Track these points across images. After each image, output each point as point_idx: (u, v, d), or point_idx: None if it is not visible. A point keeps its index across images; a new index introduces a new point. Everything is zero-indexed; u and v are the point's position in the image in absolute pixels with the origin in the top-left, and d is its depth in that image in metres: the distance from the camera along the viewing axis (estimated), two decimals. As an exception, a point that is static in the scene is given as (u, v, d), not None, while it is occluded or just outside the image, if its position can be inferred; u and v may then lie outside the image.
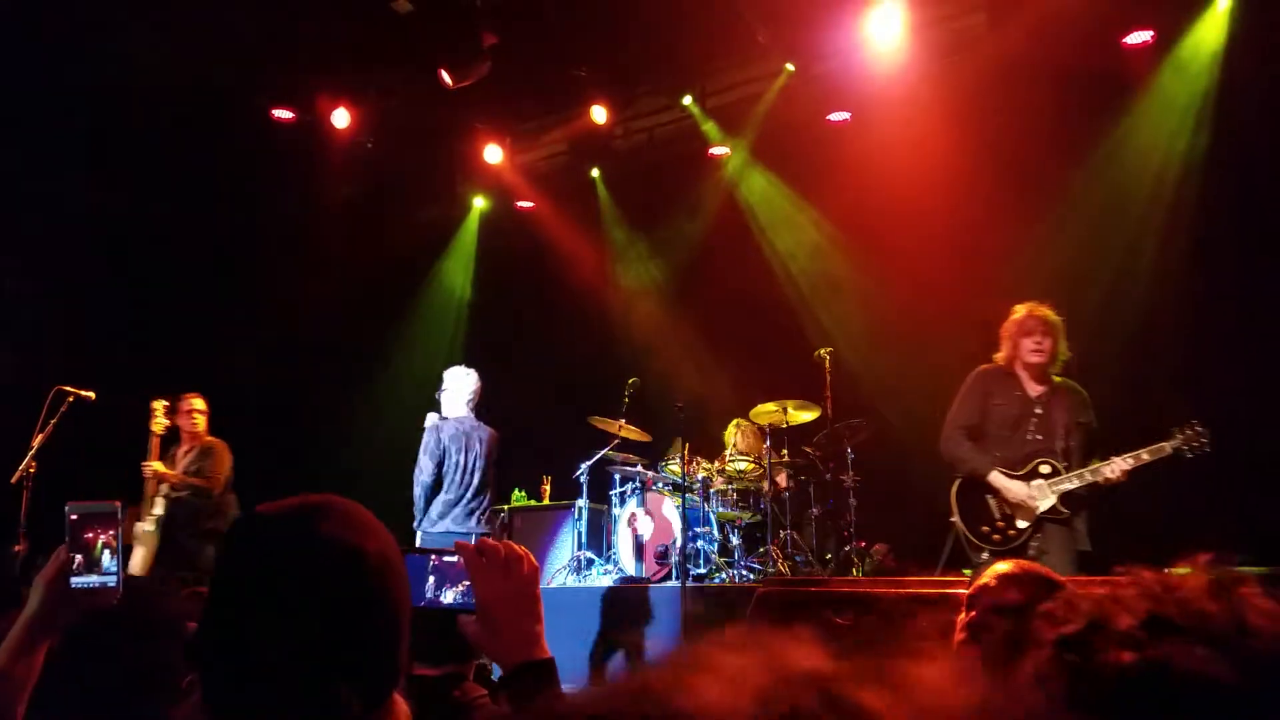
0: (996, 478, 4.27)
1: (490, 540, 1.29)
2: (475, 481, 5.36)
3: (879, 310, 7.45)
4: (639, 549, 6.54)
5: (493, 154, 8.77)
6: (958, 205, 6.71)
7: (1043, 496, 4.20)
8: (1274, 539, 4.86)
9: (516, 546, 1.28)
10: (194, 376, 7.65)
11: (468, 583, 1.26)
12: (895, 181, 7.08)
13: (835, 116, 7.69)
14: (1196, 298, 5.96)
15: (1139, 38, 6.54)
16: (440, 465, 5.32)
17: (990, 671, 1.94)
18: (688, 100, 8.21)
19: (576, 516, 7.14)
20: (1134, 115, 6.57)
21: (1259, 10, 6.04)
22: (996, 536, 4.24)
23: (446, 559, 1.28)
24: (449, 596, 1.27)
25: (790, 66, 7.75)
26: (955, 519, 4.38)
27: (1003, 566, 2.16)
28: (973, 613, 2.10)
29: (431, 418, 5.60)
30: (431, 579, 1.28)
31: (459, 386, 5.58)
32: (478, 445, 5.42)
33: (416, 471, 5.37)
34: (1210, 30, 6.32)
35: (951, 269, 6.97)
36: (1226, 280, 5.90)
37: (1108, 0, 6.43)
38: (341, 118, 8.29)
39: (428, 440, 5.41)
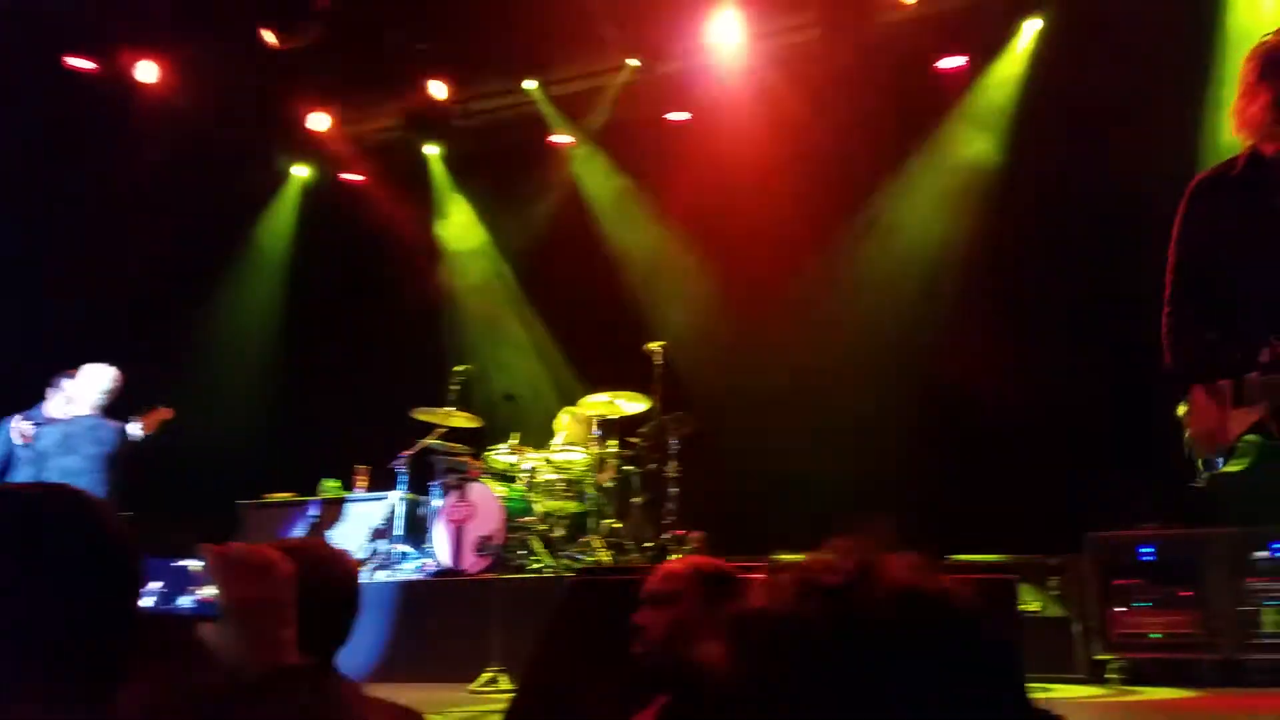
0: None
1: (238, 543, 1.20)
2: (83, 484, 5.14)
3: (711, 307, 7.61)
4: (458, 541, 6.37)
5: (318, 121, 8.35)
6: (790, 207, 6.96)
7: None
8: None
9: (268, 549, 1.20)
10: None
11: (212, 588, 1.16)
12: (732, 182, 7.26)
13: (675, 116, 7.80)
14: (998, 293, 6.54)
15: (953, 63, 7.05)
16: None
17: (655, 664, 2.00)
18: (532, 85, 8.09)
19: (393, 508, 6.87)
20: (947, 130, 7.09)
21: (1056, 44, 6.69)
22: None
23: (186, 562, 1.18)
24: (188, 601, 1.17)
25: (633, 63, 7.78)
26: None
27: (671, 563, 2.18)
28: (642, 611, 2.12)
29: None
30: (169, 582, 1.18)
31: (90, 383, 5.46)
32: (90, 447, 5.32)
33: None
34: (1014, 59, 6.90)
35: (783, 269, 7.23)
36: (1027, 276, 6.50)
37: (927, 29, 6.95)
38: (147, 71, 7.66)
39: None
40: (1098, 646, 5.03)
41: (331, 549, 1.74)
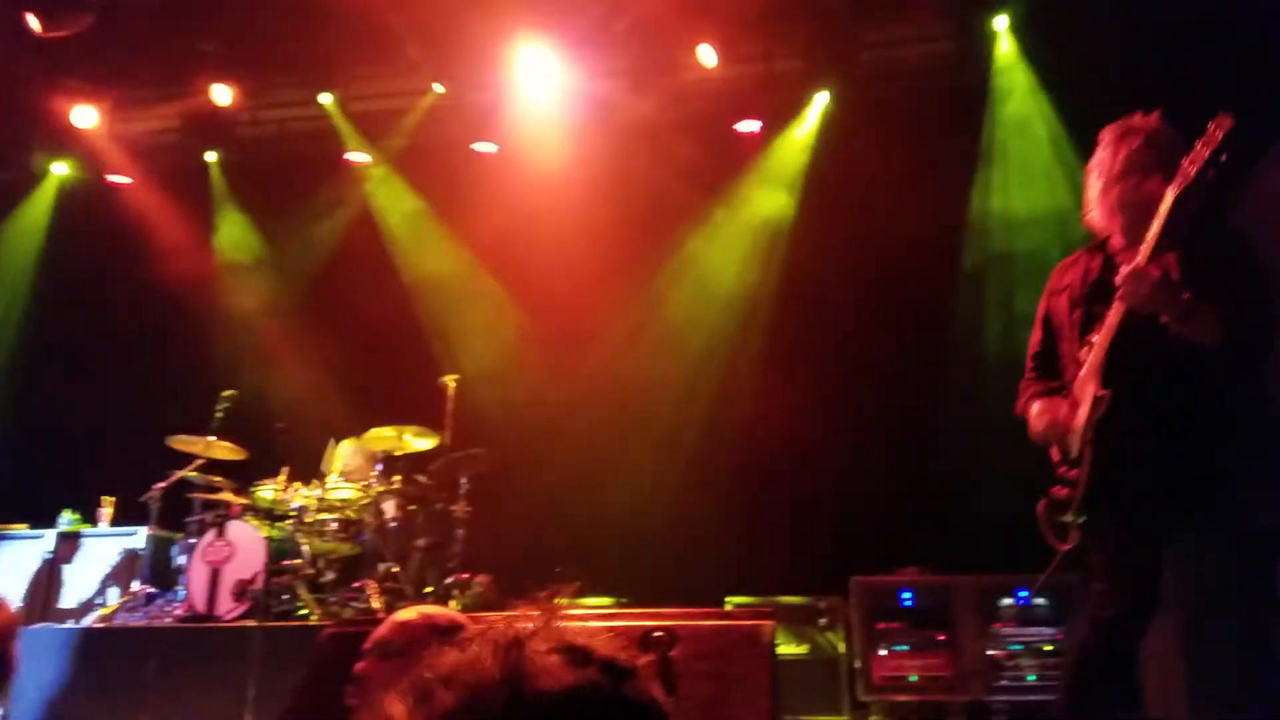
0: None
1: None
2: None
3: (510, 343, 7.48)
4: (214, 584, 5.84)
5: (84, 117, 7.58)
6: (594, 249, 6.96)
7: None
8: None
9: None
10: None
11: None
12: (537, 218, 7.19)
13: (481, 146, 7.67)
14: (782, 342, 6.83)
15: (750, 126, 7.33)
16: None
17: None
18: (327, 99, 7.71)
19: (142, 545, 6.27)
20: (746, 185, 7.36)
21: (842, 117, 7.10)
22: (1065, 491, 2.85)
23: None
24: None
25: (439, 88, 7.59)
26: None
27: (403, 612, 2.14)
28: (362, 662, 2.05)
29: None
30: None
31: None
32: None
33: None
34: (806, 126, 7.26)
35: (584, 309, 7.21)
36: (808, 327, 6.80)
37: (726, 92, 7.21)
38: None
39: None
40: (861, 688, 5.24)
41: None
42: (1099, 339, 2.71)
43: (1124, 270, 2.63)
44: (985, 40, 6.78)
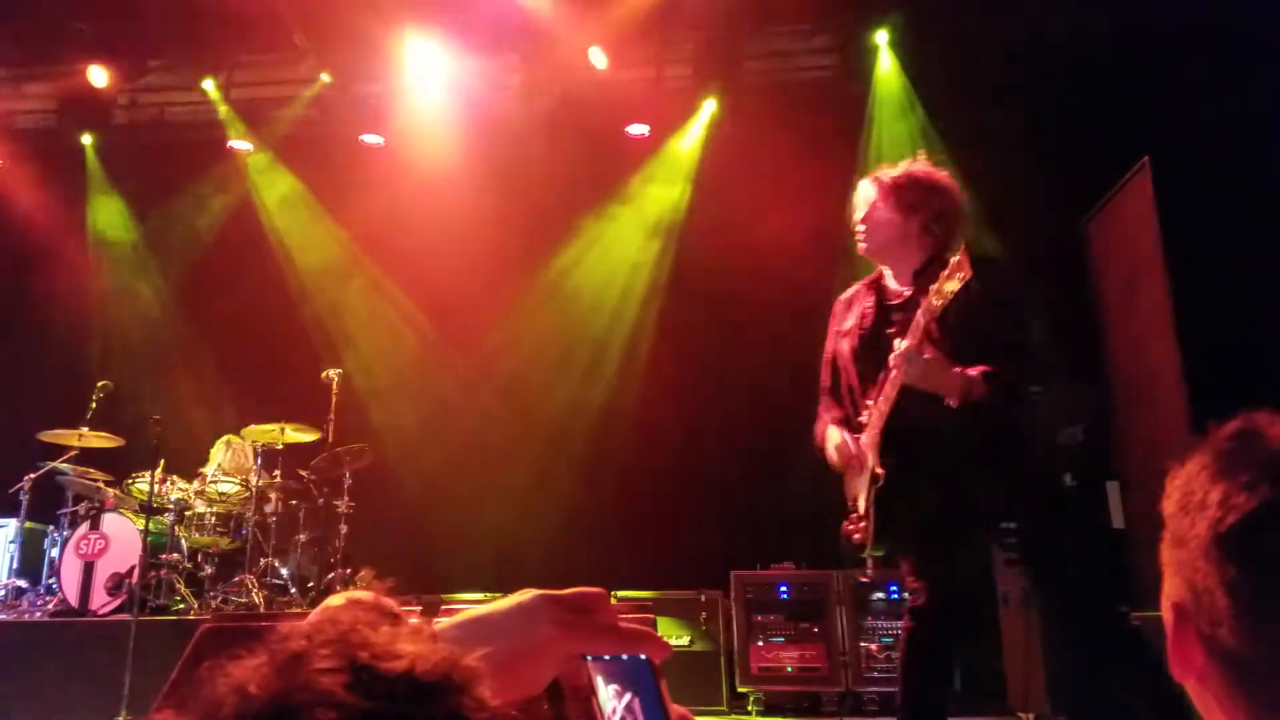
0: None
1: None
2: None
3: (394, 338, 7.41)
4: (88, 577, 5.66)
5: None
6: (480, 245, 6.96)
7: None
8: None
9: None
10: None
11: None
12: (425, 212, 7.14)
13: (369, 138, 7.57)
14: (666, 345, 6.99)
15: (639, 130, 7.43)
16: None
17: None
18: (209, 85, 7.49)
19: (10, 537, 6.05)
20: (636, 182, 7.48)
21: (725, 124, 7.26)
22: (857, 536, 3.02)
23: None
24: None
25: (326, 77, 7.45)
26: None
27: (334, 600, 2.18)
28: None
29: None
30: None
31: None
32: None
33: None
34: (695, 130, 7.42)
35: (469, 306, 7.20)
36: (690, 327, 7.00)
37: (617, 96, 7.28)
38: None
39: None
40: (740, 678, 5.42)
41: None
42: (876, 412, 2.89)
43: (898, 353, 2.75)
44: (867, 54, 7.03)
